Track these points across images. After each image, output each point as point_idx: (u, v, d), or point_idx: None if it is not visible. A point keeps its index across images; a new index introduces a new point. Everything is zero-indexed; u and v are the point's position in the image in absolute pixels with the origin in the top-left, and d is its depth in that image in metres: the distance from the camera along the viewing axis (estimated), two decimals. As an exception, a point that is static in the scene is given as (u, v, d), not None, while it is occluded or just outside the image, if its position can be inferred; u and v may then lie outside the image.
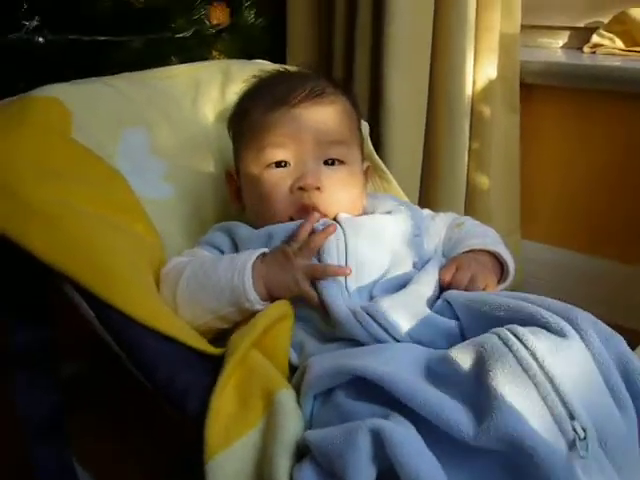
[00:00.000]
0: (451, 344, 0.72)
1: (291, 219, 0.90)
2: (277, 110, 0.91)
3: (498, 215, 1.48)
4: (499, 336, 0.62)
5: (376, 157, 1.20)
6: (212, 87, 1.15)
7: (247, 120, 0.95)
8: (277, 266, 0.83)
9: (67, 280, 0.78)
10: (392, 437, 0.57)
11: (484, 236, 0.97)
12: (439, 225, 1.02)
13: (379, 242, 0.86)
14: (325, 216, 0.89)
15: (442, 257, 0.95)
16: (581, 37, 1.59)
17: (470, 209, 1.45)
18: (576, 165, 1.54)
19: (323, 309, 0.80)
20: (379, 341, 0.74)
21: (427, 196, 1.44)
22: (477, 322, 0.72)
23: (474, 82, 1.39)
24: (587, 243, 1.56)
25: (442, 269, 0.86)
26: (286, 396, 0.70)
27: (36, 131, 0.89)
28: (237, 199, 0.99)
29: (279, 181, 0.90)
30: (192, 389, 0.74)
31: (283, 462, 0.63)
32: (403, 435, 0.58)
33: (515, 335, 0.61)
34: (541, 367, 0.59)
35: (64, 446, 0.96)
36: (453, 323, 0.75)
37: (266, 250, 0.85)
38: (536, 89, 1.53)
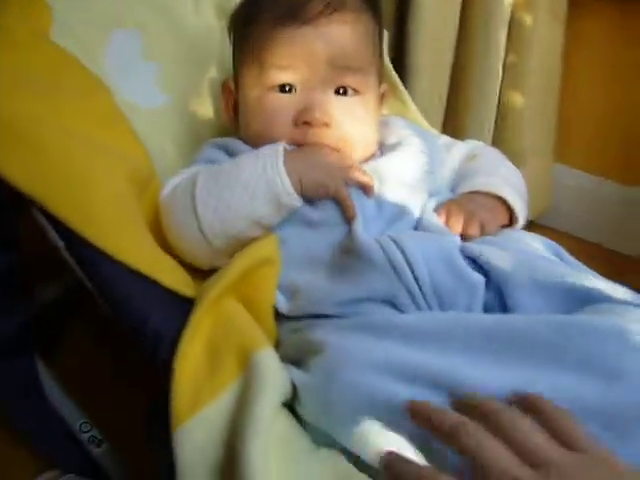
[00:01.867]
0: (470, 302, 0.67)
1: None
2: (287, 25, 0.78)
3: (530, 137, 1.35)
4: None
5: (393, 74, 1.07)
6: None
7: (251, 30, 0.82)
8: (311, 161, 0.75)
9: (35, 205, 0.72)
10: None
11: (493, 174, 0.86)
12: (455, 156, 0.92)
13: (384, 191, 0.77)
14: None
15: (450, 193, 0.87)
16: None
17: (501, 129, 1.33)
18: (622, 84, 1.38)
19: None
20: (398, 275, 0.66)
21: (453, 114, 1.32)
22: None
23: (517, -14, 1.23)
24: (626, 172, 1.42)
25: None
26: (266, 357, 0.63)
27: (8, 31, 0.79)
28: (233, 115, 0.88)
29: (281, 108, 0.79)
30: (164, 333, 0.69)
31: (255, 440, 0.56)
32: None
33: None
34: None
35: (30, 364, 0.94)
36: (479, 278, 0.68)
37: (286, 146, 0.76)
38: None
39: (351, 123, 0.79)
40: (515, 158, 1.10)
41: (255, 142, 0.81)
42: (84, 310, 1.09)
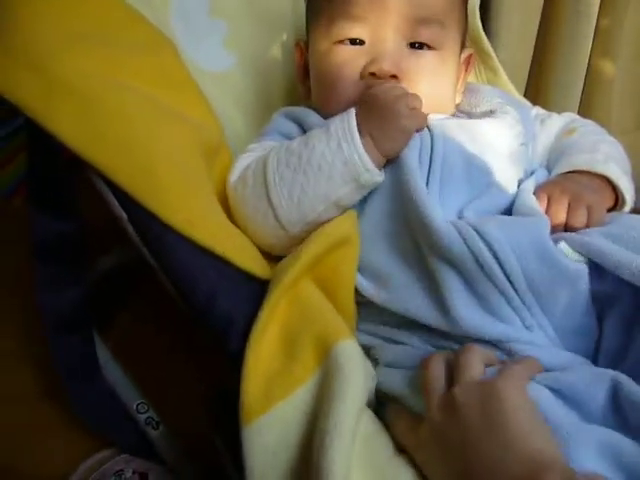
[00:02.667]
0: (573, 296, 0.59)
1: None
2: None
3: (620, 110, 1.25)
4: None
5: (484, 39, 0.98)
6: None
7: None
8: (377, 112, 0.66)
9: (96, 173, 0.66)
10: None
11: (595, 150, 0.76)
12: (550, 130, 0.83)
13: (475, 153, 0.69)
14: None
15: (546, 171, 0.78)
16: None
17: (587, 101, 1.22)
18: None
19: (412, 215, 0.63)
20: (481, 266, 0.59)
21: (536, 84, 1.22)
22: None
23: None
24: None
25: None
26: (348, 349, 0.56)
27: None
28: (304, 78, 0.82)
29: (348, 61, 0.72)
30: (235, 317, 0.63)
31: (337, 445, 0.50)
32: None
33: None
34: None
35: (88, 338, 0.90)
36: (582, 267, 0.60)
37: (353, 110, 0.68)
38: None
39: (422, 78, 0.72)
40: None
41: (323, 102, 0.76)
42: (142, 284, 1.04)
